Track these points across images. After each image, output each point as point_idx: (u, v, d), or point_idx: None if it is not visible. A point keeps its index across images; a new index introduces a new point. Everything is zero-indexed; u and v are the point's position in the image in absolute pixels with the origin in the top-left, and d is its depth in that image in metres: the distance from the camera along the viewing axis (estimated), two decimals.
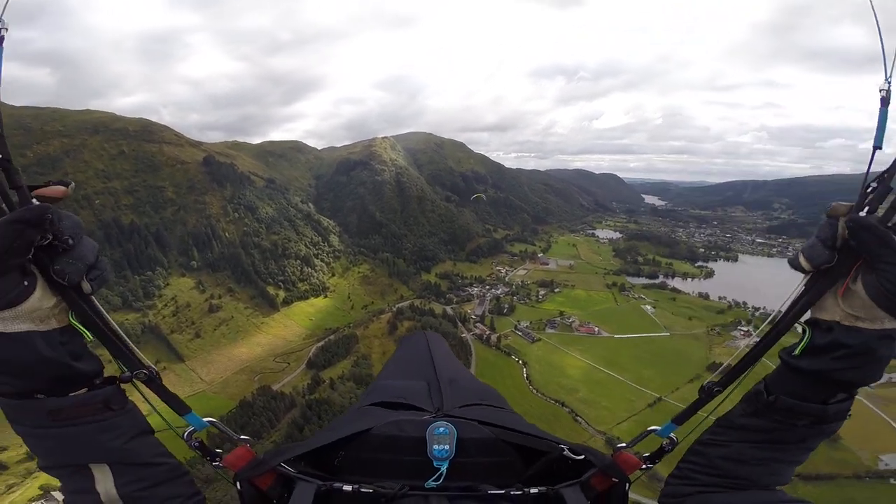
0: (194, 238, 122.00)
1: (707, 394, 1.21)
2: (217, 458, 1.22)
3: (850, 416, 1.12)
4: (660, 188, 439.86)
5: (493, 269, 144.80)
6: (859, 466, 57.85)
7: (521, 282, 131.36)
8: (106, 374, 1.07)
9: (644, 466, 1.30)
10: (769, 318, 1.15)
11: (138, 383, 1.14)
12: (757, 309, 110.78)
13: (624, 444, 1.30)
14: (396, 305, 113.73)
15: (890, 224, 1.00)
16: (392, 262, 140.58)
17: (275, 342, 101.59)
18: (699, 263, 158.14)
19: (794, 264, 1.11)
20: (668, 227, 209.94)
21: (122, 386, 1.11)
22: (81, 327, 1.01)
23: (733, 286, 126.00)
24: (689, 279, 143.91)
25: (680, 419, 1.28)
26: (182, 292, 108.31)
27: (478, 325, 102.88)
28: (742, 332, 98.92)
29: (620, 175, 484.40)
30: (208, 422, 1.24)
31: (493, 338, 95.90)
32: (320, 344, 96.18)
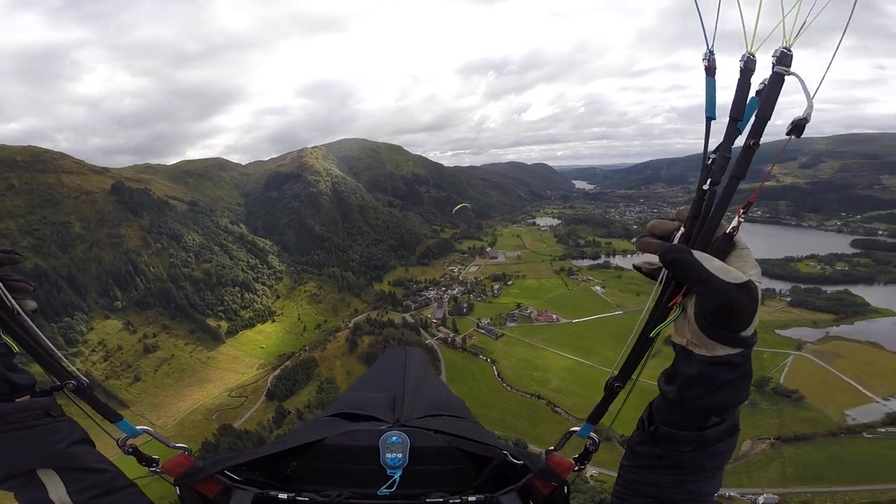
0: (114, 277, 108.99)
1: (610, 391, 1.22)
2: (154, 465, 1.23)
3: (738, 431, 1.10)
4: (587, 173, 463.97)
5: (446, 269, 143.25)
6: (830, 424, 61.18)
7: (475, 279, 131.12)
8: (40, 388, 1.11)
9: (576, 468, 1.32)
10: (637, 324, 1.15)
11: (69, 393, 1.16)
12: None
13: (553, 448, 1.32)
14: (352, 321, 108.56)
15: (728, 231, 1.00)
16: (340, 276, 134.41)
17: (226, 376, 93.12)
18: (635, 239, 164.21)
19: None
20: (600, 208, 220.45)
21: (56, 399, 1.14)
22: (10, 341, 1.05)
23: (658, 261, 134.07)
24: (629, 255, 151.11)
25: (593, 418, 1.29)
26: (110, 335, 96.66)
27: (440, 328, 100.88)
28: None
29: (550, 164, 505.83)
30: (142, 430, 1.26)
31: (458, 340, 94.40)
32: (276, 373, 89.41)
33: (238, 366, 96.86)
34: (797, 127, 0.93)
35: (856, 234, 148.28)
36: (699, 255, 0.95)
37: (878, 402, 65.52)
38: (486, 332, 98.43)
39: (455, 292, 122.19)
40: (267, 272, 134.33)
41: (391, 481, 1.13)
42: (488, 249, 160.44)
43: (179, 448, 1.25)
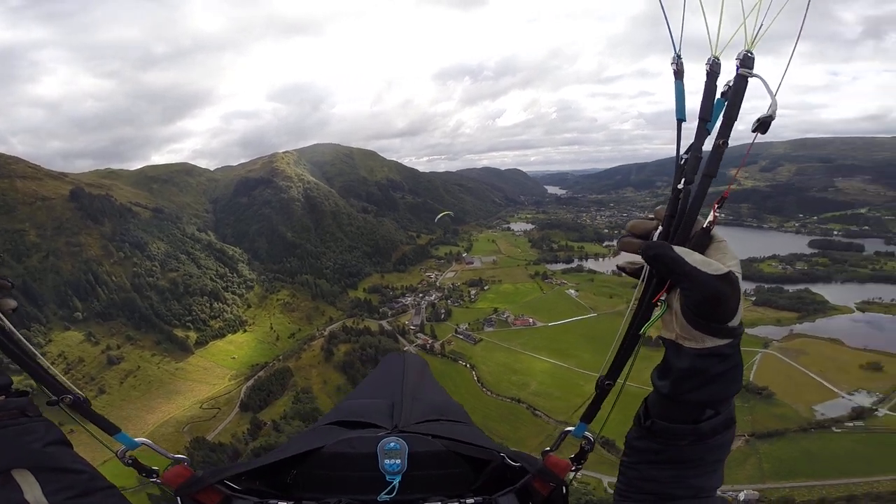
0: (73, 287, 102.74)
1: (601, 389, 1.22)
2: (154, 475, 1.23)
3: (735, 423, 1.11)
4: (559, 178, 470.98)
5: (423, 275, 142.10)
6: (800, 420, 63.19)
7: (452, 284, 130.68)
8: (15, 388, 1.09)
9: (573, 468, 1.32)
10: (622, 324, 1.16)
11: (65, 407, 1.15)
12: None
13: (549, 449, 1.32)
14: (327, 329, 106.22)
15: (705, 226, 1.03)
16: (314, 284, 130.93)
17: (197, 388, 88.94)
18: (606, 243, 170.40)
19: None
20: (572, 213, 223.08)
21: (47, 412, 1.13)
22: None
23: (639, 260, 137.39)
24: (601, 258, 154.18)
25: (587, 417, 1.29)
26: (70, 348, 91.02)
27: (418, 335, 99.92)
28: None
29: (524, 169, 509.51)
30: (140, 442, 1.25)
31: (437, 346, 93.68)
32: (249, 384, 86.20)
33: (209, 377, 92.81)
34: (763, 124, 0.96)
35: (813, 234, 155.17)
36: (680, 250, 0.98)
37: (843, 396, 68.24)
38: (465, 337, 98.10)
39: (432, 298, 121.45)
40: (237, 281, 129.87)
41: (390, 487, 1.13)
42: (464, 255, 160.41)
43: (180, 459, 1.25)
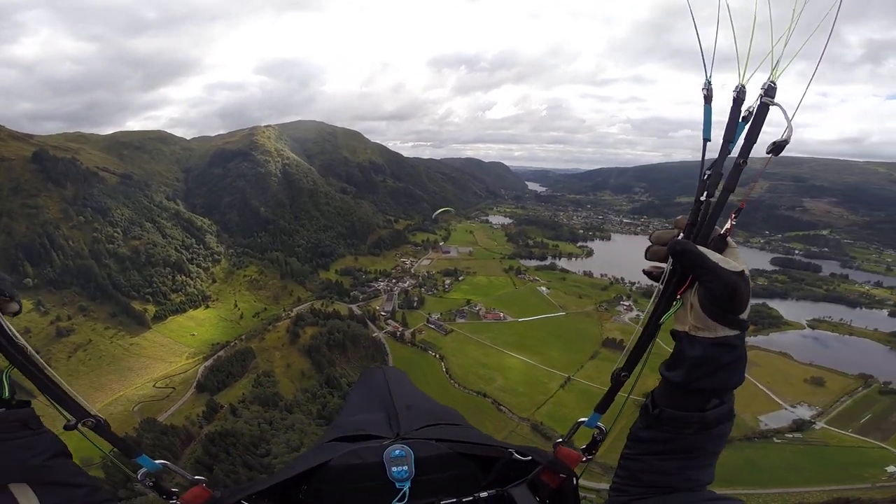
0: (25, 250, 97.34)
1: (617, 380, 1.29)
2: (174, 497, 1.25)
3: (734, 415, 1.23)
4: (540, 175, 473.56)
5: (398, 261, 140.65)
6: (746, 429, 65.53)
7: (427, 272, 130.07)
8: (18, 398, 1.10)
9: (584, 459, 1.37)
10: (642, 318, 1.25)
11: (86, 430, 1.15)
12: (633, 283, 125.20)
13: (561, 440, 1.36)
14: (295, 310, 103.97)
15: (723, 231, 1.17)
16: (284, 262, 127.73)
17: (151, 365, 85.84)
18: (580, 243, 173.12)
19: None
20: (550, 211, 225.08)
21: (64, 434, 1.14)
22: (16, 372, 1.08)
23: (611, 263, 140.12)
24: (574, 258, 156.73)
25: (601, 407, 1.34)
26: (17, 317, 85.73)
27: (389, 322, 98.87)
28: (624, 307, 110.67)
29: (507, 163, 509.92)
30: (161, 464, 1.26)
31: (407, 334, 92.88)
32: (208, 363, 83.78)
33: (165, 354, 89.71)
34: (778, 147, 1.12)
35: (776, 252, 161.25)
36: (702, 249, 1.11)
37: (786, 408, 71.60)
38: (436, 327, 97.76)
39: (406, 285, 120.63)
40: (203, 253, 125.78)
41: (401, 494, 1.15)
42: (441, 244, 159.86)
43: (199, 480, 1.28)
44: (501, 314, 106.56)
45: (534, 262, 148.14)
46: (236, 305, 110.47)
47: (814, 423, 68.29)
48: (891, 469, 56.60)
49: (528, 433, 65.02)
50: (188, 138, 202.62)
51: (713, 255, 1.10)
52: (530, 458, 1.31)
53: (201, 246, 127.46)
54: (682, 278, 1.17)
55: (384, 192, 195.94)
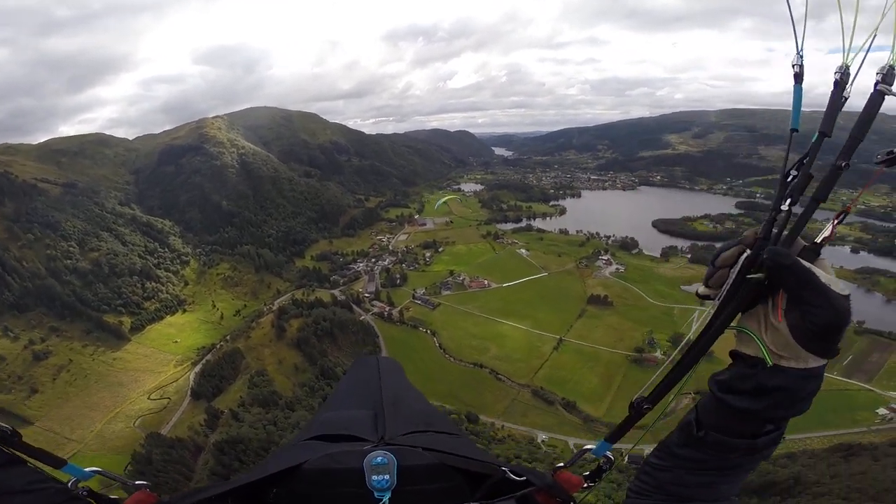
0: None
1: (637, 411, 1.18)
2: None
3: (784, 439, 1.08)
4: (505, 140, 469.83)
5: (374, 239, 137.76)
6: None
7: (406, 247, 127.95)
8: None
9: (586, 486, 1.29)
10: (681, 344, 1.11)
11: None
12: (608, 237, 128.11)
13: (562, 465, 1.29)
14: (276, 303, 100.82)
15: (814, 242, 0.94)
16: (256, 255, 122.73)
17: (140, 377, 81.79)
18: (552, 203, 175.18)
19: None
20: (519, 174, 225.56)
21: None
22: None
23: (584, 220, 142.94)
24: (548, 218, 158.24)
25: (612, 438, 1.26)
26: None
27: (374, 303, 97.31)
28: (604, 261, 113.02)
29: (472, 131, 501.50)
30: (92, 471, 1.17)
31: (395, 313, 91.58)
32: (198, 369, 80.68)
33: (152, 364, 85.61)
34: (893, 158, 0.88)
35: (739, 196, 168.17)
36: (810, 265, 0.90)
37: None
38: (423, 302, 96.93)
39: (386, 263, 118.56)
40: (169, 256, 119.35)
41: None
42: (416, 217, 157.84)
43: (140, 485, 1.19)
44: (486, 281, 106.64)
45: (510, 226, 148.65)
46: (214, 306, 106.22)
47: None
48: (882, 412, 57.46)
49: (529, 399, 65.93)
50: (131, 138, 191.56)
51: (823, 275, 0.89)
52: (524, 478, 1.21)
53: (166, 249, 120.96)
54: (754, 297, 0.96)
55: (350, 171, 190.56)
